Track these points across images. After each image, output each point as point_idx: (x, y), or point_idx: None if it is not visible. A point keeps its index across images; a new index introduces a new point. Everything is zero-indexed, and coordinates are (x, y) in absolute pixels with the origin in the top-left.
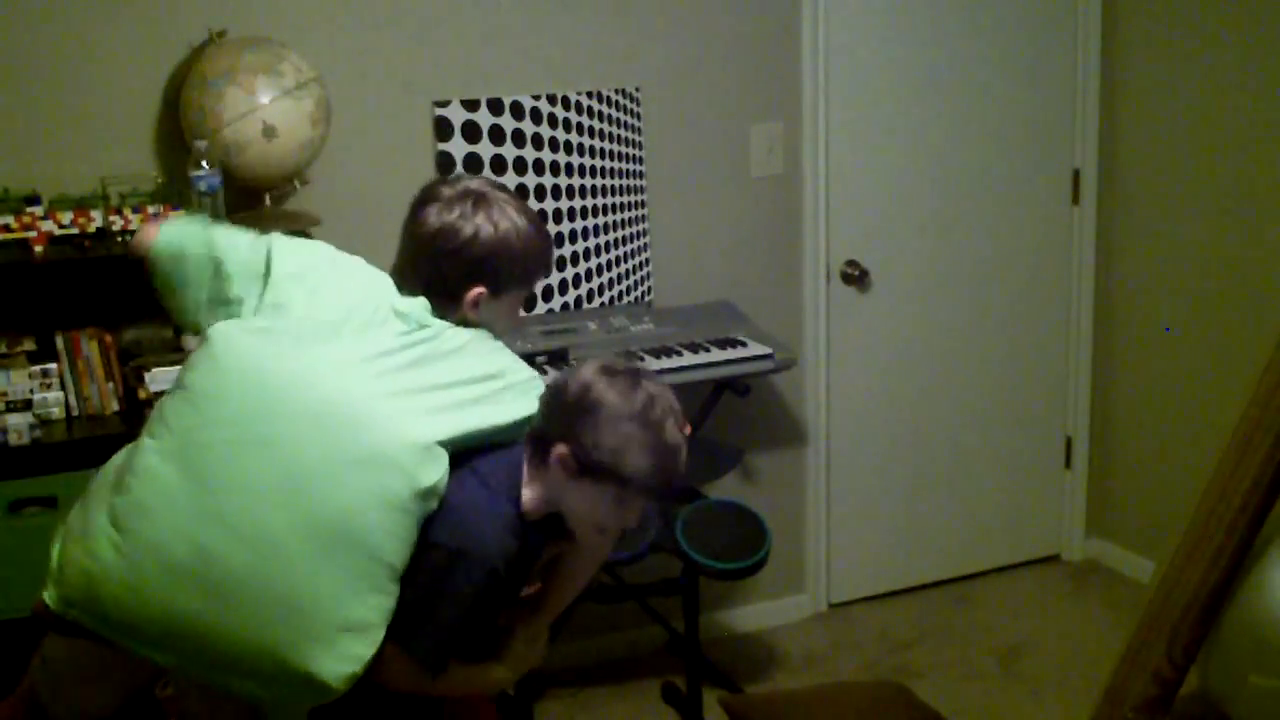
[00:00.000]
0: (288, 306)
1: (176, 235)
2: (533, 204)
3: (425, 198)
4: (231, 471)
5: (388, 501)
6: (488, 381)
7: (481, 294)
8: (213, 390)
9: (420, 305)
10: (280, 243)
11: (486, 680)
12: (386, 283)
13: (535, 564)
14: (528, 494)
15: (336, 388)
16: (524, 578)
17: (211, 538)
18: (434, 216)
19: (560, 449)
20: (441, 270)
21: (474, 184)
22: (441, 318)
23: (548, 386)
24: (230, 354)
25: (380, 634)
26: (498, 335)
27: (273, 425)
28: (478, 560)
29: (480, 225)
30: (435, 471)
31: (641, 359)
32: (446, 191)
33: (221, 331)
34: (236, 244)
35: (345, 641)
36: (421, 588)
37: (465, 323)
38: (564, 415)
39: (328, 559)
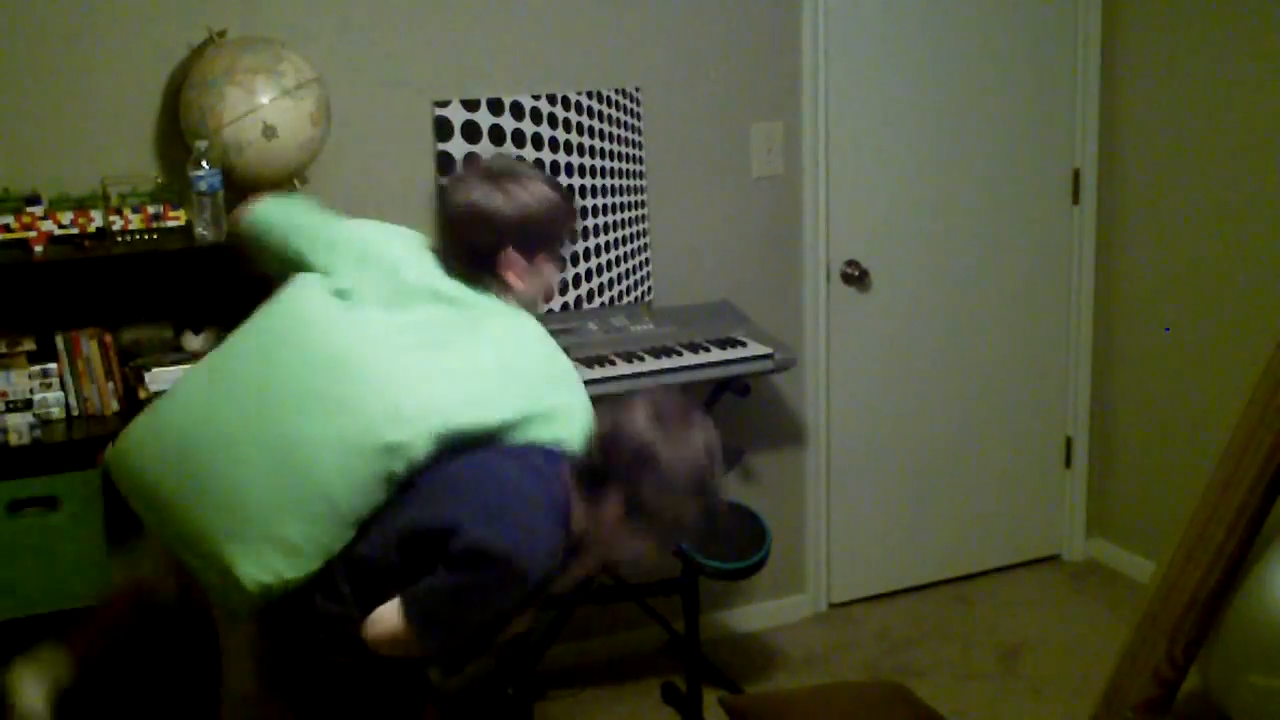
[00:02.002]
0: (343, 273)
1: (262, 214)
2: None
3: (454, 179)
4: (231, 373)
5: (345, 444)
6: (492, 377)
7: (514, 259)
8: (262, 314)
9: (454, 286)
10: (344, 223)
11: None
12: (429, 261)
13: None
14: (574, 511)
15: (347, 340)
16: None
17: (195, 434)
18: (461, 194)
19: (614, 502)
20: (474, 241)
21: (496, 163)
22: (484, 290)
23: (601, 429)
24: (289, 294)
25: (308, 564)
26: (534, 305)
27: (279, 349)
28: (525, 572)
29: (503, 197)
30: (407, 433)
31: (642, 359)
32: (473, 171)
33: (297, 279)
34: (308, 222)
35: (267, 552)
36: (456, 585)
37: (507, 294)
38: (619, 463)
39: (274, 475)
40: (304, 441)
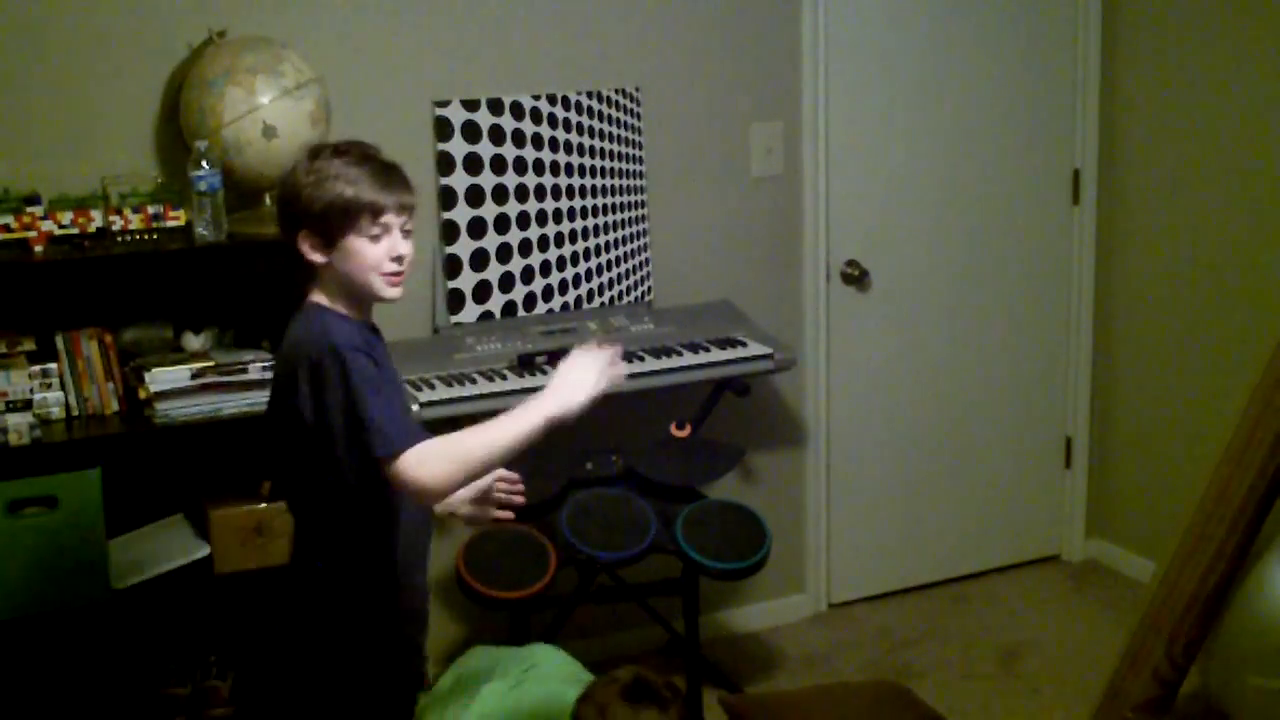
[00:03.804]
0: None
1: None
2: (533, 204)
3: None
4: None
5: None
6: None
7: (314, 243)
8: None
9: None
10: None
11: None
12: None
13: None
14: (332, 303)
15: None
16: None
17: None
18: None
19: (302, 241)
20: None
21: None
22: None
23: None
24: None
25: None
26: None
27: None
28: (346, 349)
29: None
30: None
31: (642, 359)
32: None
33: None
34: None
35: None
36: (337, 404)
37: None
38: (281, 217)
39: None
40: None
